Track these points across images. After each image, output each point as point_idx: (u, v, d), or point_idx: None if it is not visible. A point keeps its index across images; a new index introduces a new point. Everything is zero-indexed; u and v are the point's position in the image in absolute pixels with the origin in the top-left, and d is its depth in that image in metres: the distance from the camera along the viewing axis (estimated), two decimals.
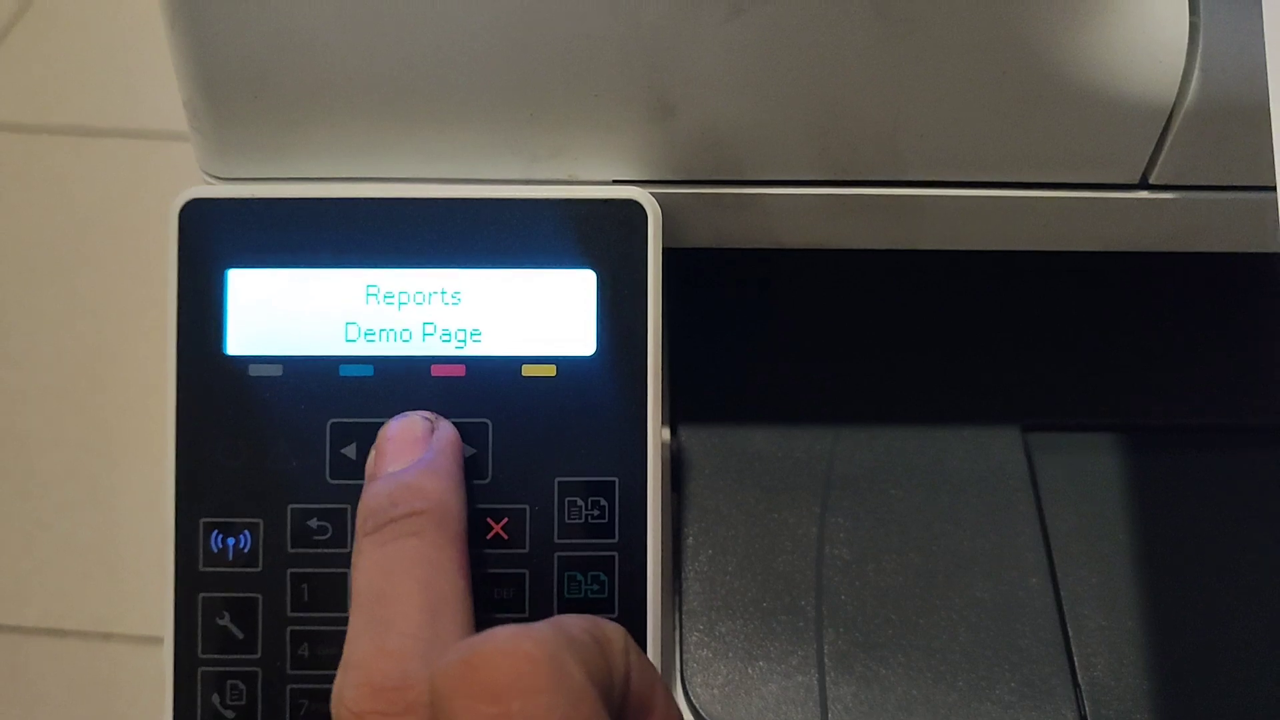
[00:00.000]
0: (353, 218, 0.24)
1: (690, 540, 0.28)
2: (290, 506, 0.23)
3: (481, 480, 0.23)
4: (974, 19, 0.22)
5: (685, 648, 0.27)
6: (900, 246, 0.26)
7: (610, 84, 0.23)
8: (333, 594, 0.23)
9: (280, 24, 0.22)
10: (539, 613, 0.23)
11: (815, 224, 0.25)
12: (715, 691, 0.26)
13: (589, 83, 0.23)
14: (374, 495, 0.21)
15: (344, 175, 0.24)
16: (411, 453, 0.22)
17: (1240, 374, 0.31)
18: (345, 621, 0.23)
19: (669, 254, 0.25)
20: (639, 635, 0.23)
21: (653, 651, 0.23)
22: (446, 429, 0.23)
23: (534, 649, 0.17)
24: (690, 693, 0.26)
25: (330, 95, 0.23)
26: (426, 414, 0.23)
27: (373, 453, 0.23)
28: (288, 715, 0.23)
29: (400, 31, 0.22)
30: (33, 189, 0.59)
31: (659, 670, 0.23)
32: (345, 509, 0.23)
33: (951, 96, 0.23)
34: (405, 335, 0.23)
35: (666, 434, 0.30)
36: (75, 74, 0.62)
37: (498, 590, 0.23)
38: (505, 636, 0.18)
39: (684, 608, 0.27)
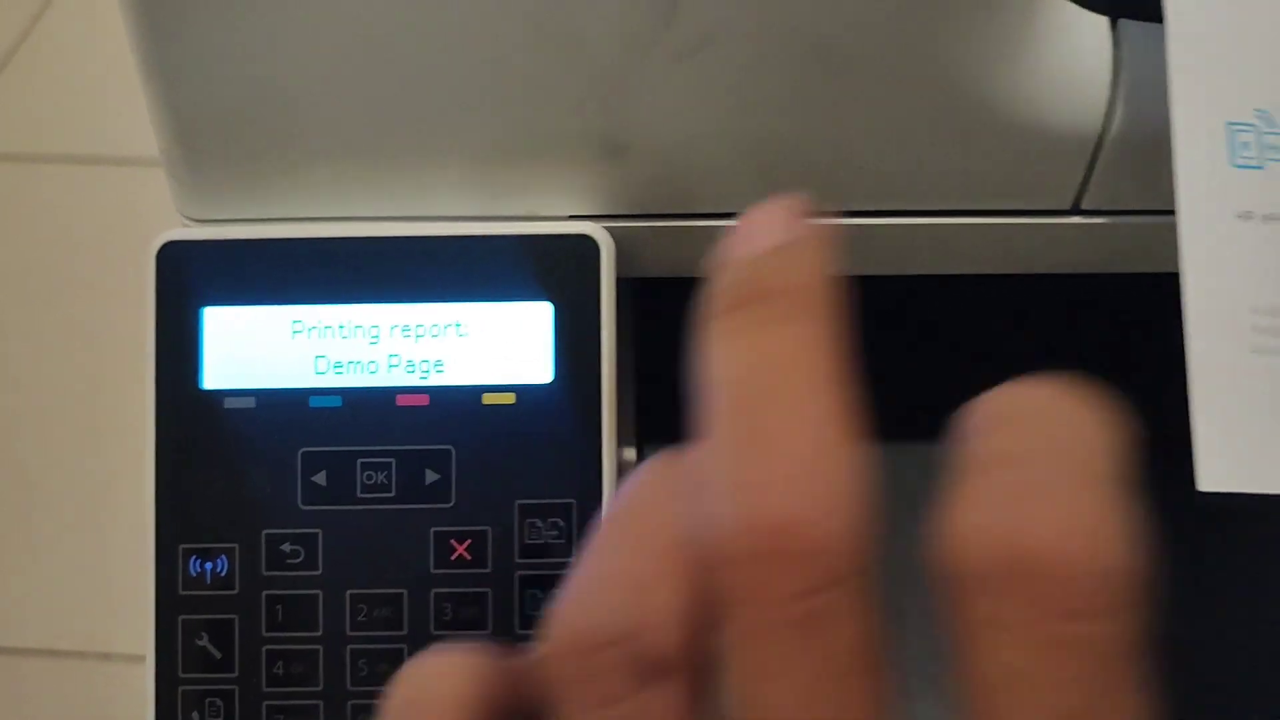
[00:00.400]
0: (323, 256, 0.25)
1: None
2: (264, 532, 0.24)
3: (445, 504, 0.24)
4: (908, 58, 0.23)
5: None
6: (847, 272, 0.27)
7: (565, 126, 0.24)
8: (305, 614, 0.24)
9: (249, 76, 0.23)
10: (501, 629, 0.24)
11: None
12: None
13: (545, 126, 0.24)
14: (736, 267, 0.15)
15: (315, 216, 0.25)
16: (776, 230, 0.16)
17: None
18: (318, 641, 0.24)
19: (639, 280, 0.26)
20: None
21: None
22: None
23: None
24: None
25: (300, 142, 0.24)
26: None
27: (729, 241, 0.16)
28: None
29: (367, 82, 0.24)
30: (28, 216, 0.60)
31: None
32: (317, 533, 0.24)
33: (889, 131, 0.24)
34: (372, 367, 0.25)
35: (633, 453, 0.31)
36: (72, 103, 0.63)
37: (462, 609, 0.24)
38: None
39: None
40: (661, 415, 0.31)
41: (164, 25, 0.23)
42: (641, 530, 0.14)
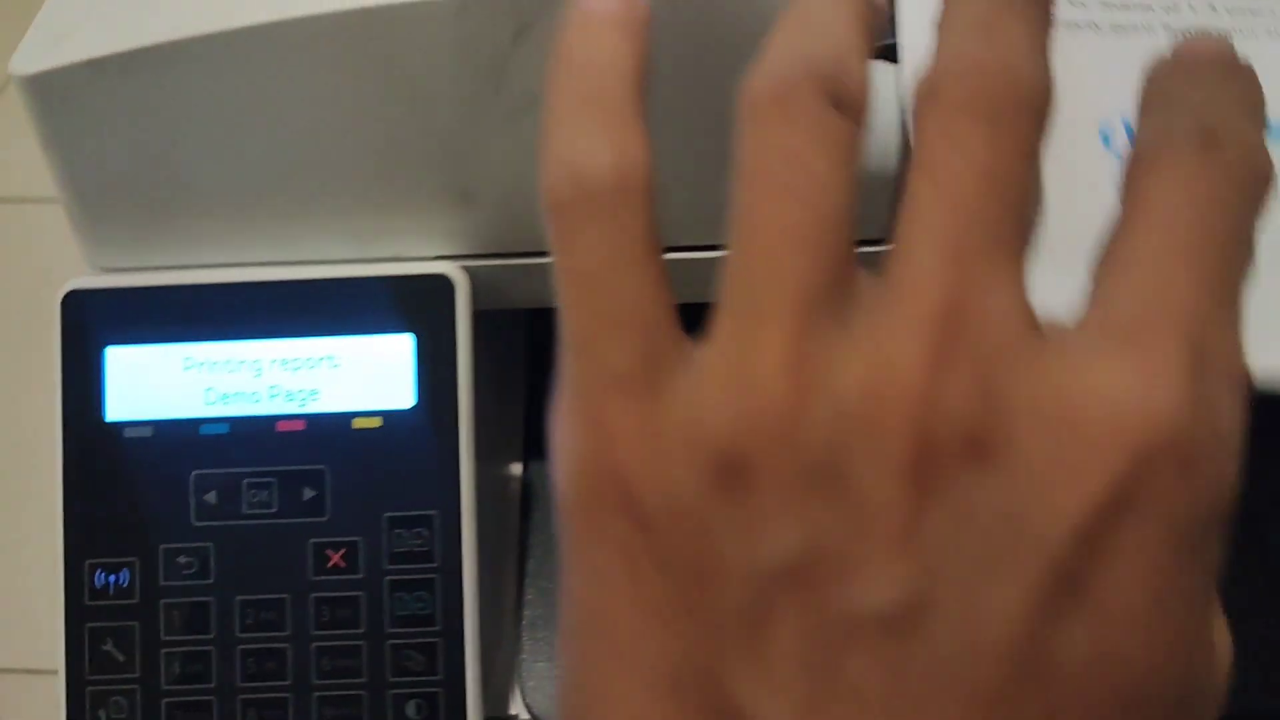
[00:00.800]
0: (211, 299, 0.28)
1: (532, 563, 0.32)
2: (161, 547, 0.27)
3: (321, 518, 0.27)
4: (707, 103, 0.26)
5: (523, 659, 0.31)
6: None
7: (420, 179, 0.27)
8: (199, 620, 0.27)
9: (143, 149, 0.27)
10: (374, 629, 0.27)
11: None
12: (552, 699, 0.30)
13: (404, 179, 0.27)
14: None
15: (205, 263, 0.28)
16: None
17: None
18: (211, 643, 0.27)
19: (532, 310, 0.29)
20: (458, 645, 0.27)
21: (470, 658, 0.27)
22: None
23: None
24: (528, 698, 0.30)
25: (189, 202, 0.27)
26: None
27: None
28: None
29: (247, 150, 0.27)
30: None
31: (476, 677, 0.27)
32: (209, 546, 0.27)
33: (693, 172, 0.27)
34: (255, 397, 0.28)
35: (519, 468, 0.34)
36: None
37: (338, 611, 0.27)
38: None
39: (524, 623, 0.31)
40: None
41: (61, 107, 0.26)
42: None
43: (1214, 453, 0.14)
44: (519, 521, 0.33)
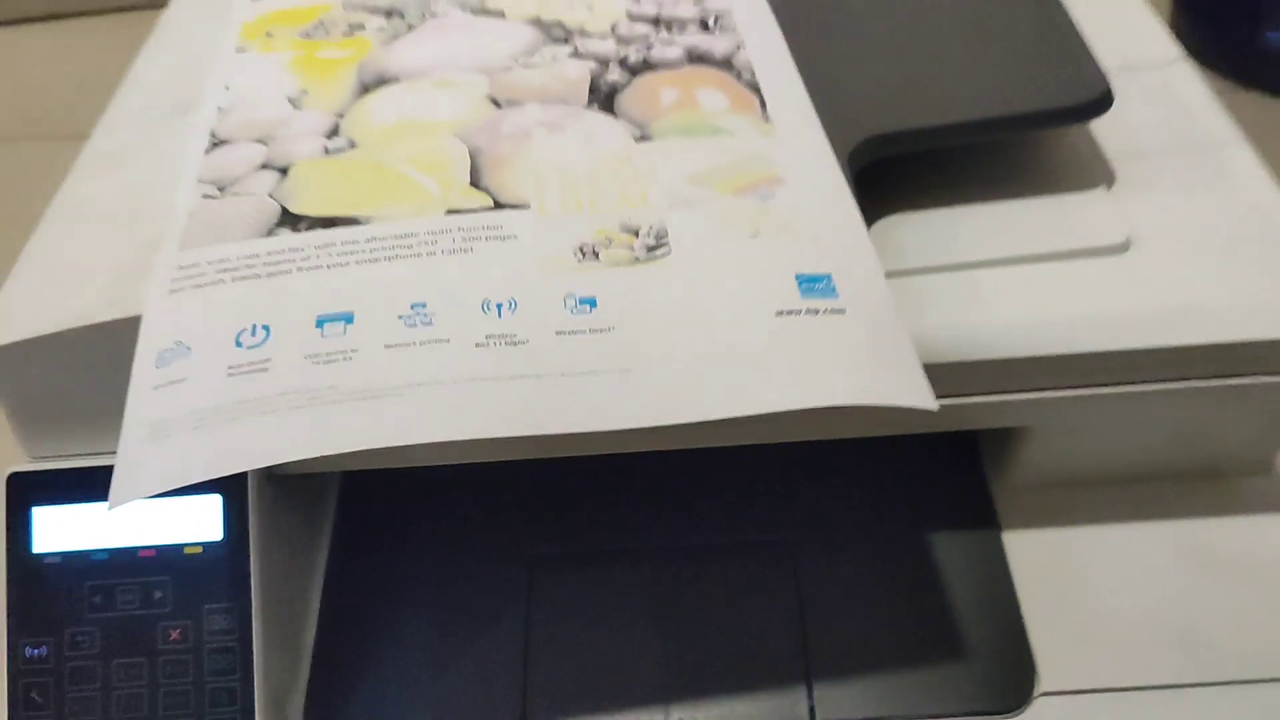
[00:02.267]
0: (96, 475, 0.45)
1: (319, 632, 0.48)
2: (66, 631, 0.44)
3: (165, 609, 0.44)
4: None
5: (307, 701, 0.47)
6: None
7: None
8: (89, 676, 0.44)
9: (61, 389, 0.44)
10: (198, 679, 0.44)
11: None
12: None
13: None
14: None
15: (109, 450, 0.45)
16: None
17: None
18: (97, 690, 0.44)
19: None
20: (249, 688, 0.43)
21: (259, 694, 0.43)
22: None
23: None
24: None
25: (92, 418, 0.45)
26: None
27: None
28: None
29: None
30: None
31: (264, 709, 0.43)
32: (95, 630, 0.44)
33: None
34: (126, 539, 0.45)
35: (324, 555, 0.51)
36: None
37: (177, 668, 0.44)
38: None
39: (311, 671, 0.48)
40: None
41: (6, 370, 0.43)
42: None
43: None
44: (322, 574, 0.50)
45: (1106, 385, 0.45)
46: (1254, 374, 0.45)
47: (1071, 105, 0.47)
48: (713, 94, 0.49)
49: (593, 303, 0.40)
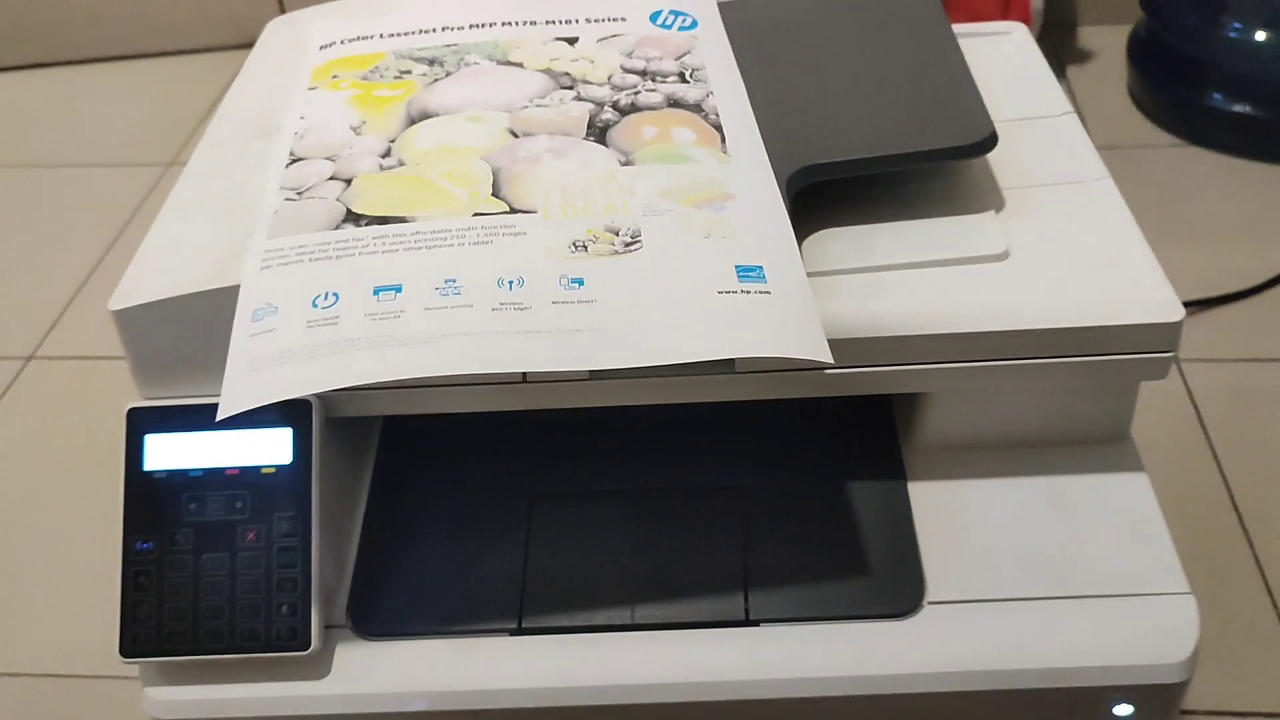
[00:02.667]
0: (199, 412, 0.58)
1: (364, 533, 0.61)
2: (167, 531, 0.57)
3: (245, 516, 0.57)
4: None
5: (350, 591, 0.59)
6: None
7: None
8: (183, 567, 0.56)
9: (169, 343, 0.57)
10: (268, 570, 0.56)
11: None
12: (369, 614, 0.59)
13: None
14: None
15: (199, 395, 0.58)
16: None
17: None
18: (190, 578, 0.56)
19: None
20: (308, 578, 0.56)
21: (315, 588, 0.56)
22: None
23: None
24: (350, 613, 0.59)
25: (191, 367, 0.58)
26: None
27: None
28: (166, 621, 0.56)
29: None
30: None
31: (318, 595, 0.55)
32: (190, 530, 0.56)
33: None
34: (216, 457, 0.57)
35: (369, 474, 0.63)
36: None
37: (251, 561, 0.56)
38: None
39: (354, 568, 0.60)
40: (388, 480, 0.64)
41: (133, 329, 0.56)
42: None
43: None
44: (365, 501, 0.62)
45: (987, 359, 0.57)
46: (1108, 352, 0.57)
47: (963, 145, 0.60)
48: (684, 131, 0.62)
49: (580, 282, 0.53)
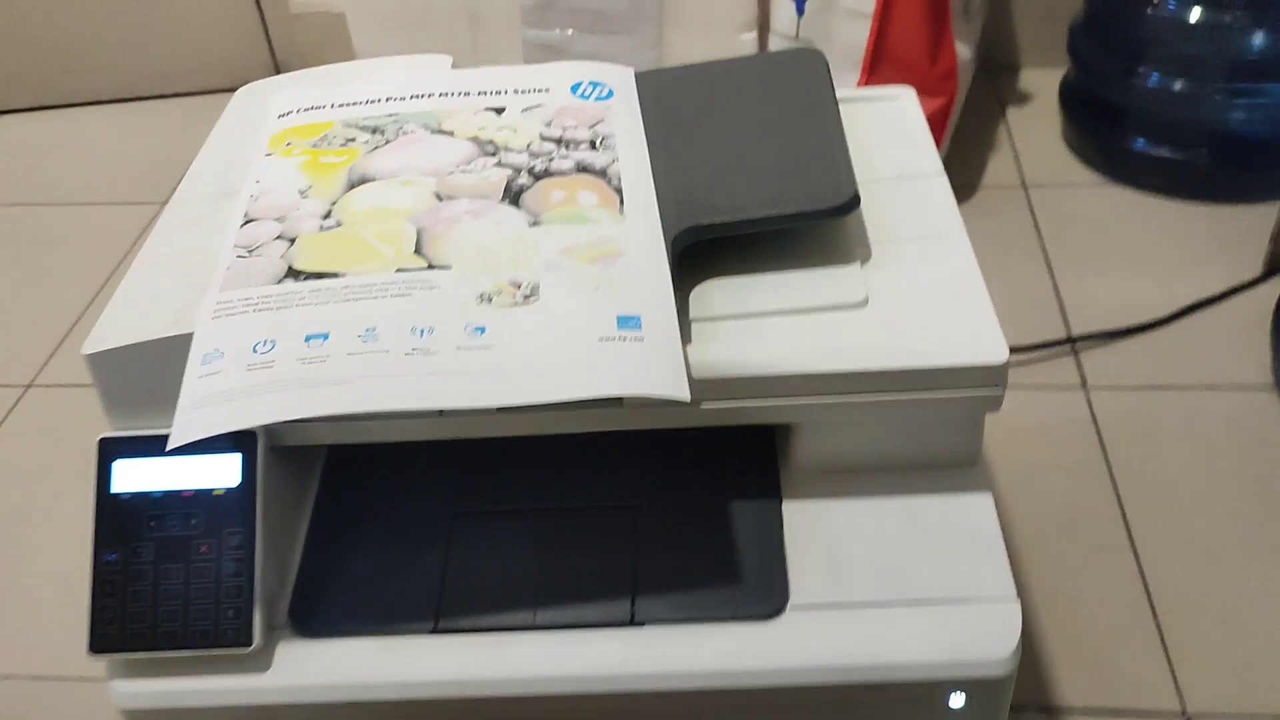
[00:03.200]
0: (157, 441, 0.67)
1: (307, 544, 0.70)
2: (131, 544, 0.65)
3: (198, 532, 0.65)
4: None
5: (289, 599, 0.68)
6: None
7: None
8: (145, 576, 0.65)
9: (136, 381, 0.66)
10: (217, 580, 0.65)
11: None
12: (314, 616, 0.67)
13: None
14: None
15: (159, 427, 0.67)
16: None
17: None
18: (150, 587, 0.65)
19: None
20: (250, 589, 0.64)
21: (258, 595, 0.64)
22: None
23: None
24: (291, 615, 0.68)
25: (155, 402, 0.66)
26: None
27: None
28: (129, 622, 0.65)
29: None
30: None
31: (260, 602, 0.64)
32: (151, 544, 0.65)
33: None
34: (174, 484, 0.66)
35: (314, 490, 0.72)
36: None
37: (203, 572, 0.65)
38: None
39: (297, 575, 0.69)
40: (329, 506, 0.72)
41: (106, 370, 0.65)
42: None
43: None
44: (309, 517, 0.71)
45: (843, 394, 0.66)
46: (946, 389, 0.66)
47: (827, 207, 0.69)
48: (588, 194, 0.71)
49: (483, 330, 0.62)
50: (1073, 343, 1.22)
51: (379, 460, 0.74)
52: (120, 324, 0.67)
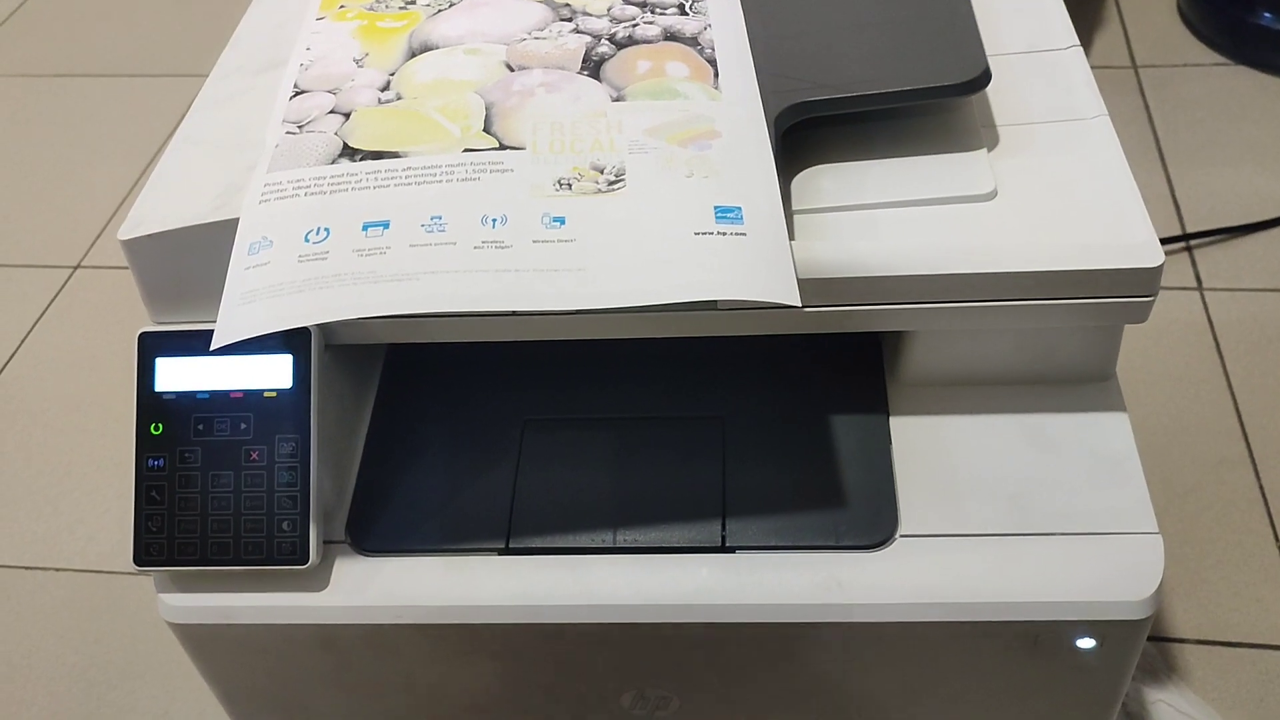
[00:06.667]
0: (207, 337, 0.61)
1: (367, 451, 0.64)
2: (177, 449, 0.60)
3: (248, 437, 0.60)
4: None
5: (350, 510, 0.63)
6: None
7: None
8: (192, 482, 0.60)
9: (178, 271, 0.59)
10: (269, 489, 0.59)
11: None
12: (367, 532, 0.62)
13: None
14: None
15: (204, 320, 0.61)
16: None
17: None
18: (197, 493, 0.60)
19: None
20: (306, 498, 0.59)
21: (314, 506, 0.59)
22: None
23: None
24: (349, 530, 0.62)
25: (199, 294, 0.60)
26: None
27: None
28: (176, 533, 0.60)
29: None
30: None
31: (317, 514, 0.59)
32: (198, 449, 0.60)
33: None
34: (220, 381, 0.60)
35: (374, 394, 0.66)
36: None
37: (254, 478, 0.59)
38: None
39: (356, 487, 0.63)
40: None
41: (142, 256, 0.59)
42: None
43: None
44: (367, 425, 0.65)
45: (968, 300, 0.58)
46: (1087, 295, 0.58)
47: (954, 83, 0.60)
48: (678, 65, 0.63)
49: (562, 221, 0.55)
50: (1188, 240, 1.12)
51: (443, 361, 0.67)
52: (159, 207, 0.60)
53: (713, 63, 0.63)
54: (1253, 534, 0.91)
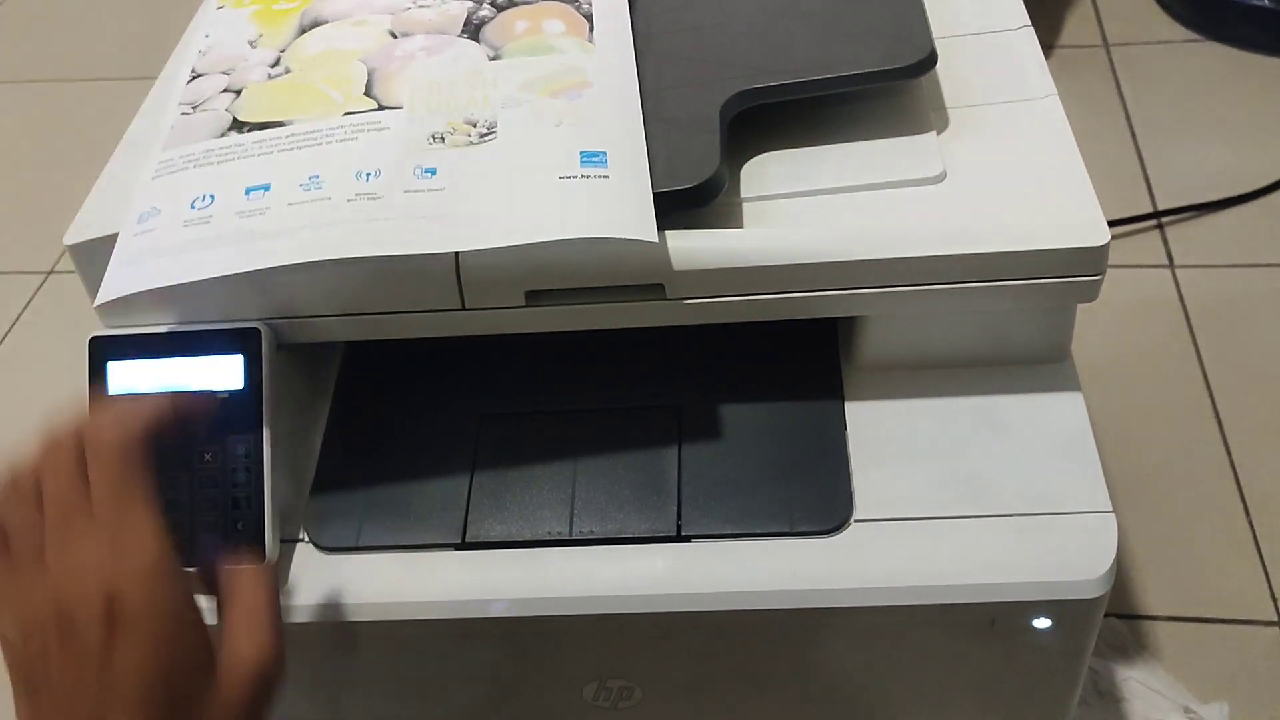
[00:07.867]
0: (155, 340, 0.60)
1: (323, 445, 0.64)
2: None
3: (200, 437, 0.60)
4: None
5: (308, 506, 0.63)
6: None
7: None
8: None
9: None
10: (224, 488, 0.59)
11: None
12: (324, 529, 0.62)
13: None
14: None
15: (150, 324, 0.61)
16: None
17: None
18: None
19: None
20: (259, 497, 0.59)
21: (268, 506, 0.59)
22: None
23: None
24: (306, 527, 0.62)
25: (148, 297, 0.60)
26: None
27: None
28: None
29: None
30: None
31: (271, 512, 0.58)
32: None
33: None
34: (174, 385, 0.60)
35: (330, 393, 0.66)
36: None
37: (207, 479, 0.59)
38: None
39: (313, 484, 0.63)
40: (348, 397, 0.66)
41: (87, 259, 0.59)
42: None
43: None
44: (324, 424, 0.65)
45: (919, 283, 0.58)
46: (1036, 275, 0.57)
47: (899, 66, 0.60)
48: (554, 22, 0.64)
49: (434, 171, 0.56)
50: (1159, 217, 1.11)
51: (400, 359, 0.67)
52: (104, 212, 0.60)
53: (589, 17, 0.64)
54: (1224, 510, 0.91)
